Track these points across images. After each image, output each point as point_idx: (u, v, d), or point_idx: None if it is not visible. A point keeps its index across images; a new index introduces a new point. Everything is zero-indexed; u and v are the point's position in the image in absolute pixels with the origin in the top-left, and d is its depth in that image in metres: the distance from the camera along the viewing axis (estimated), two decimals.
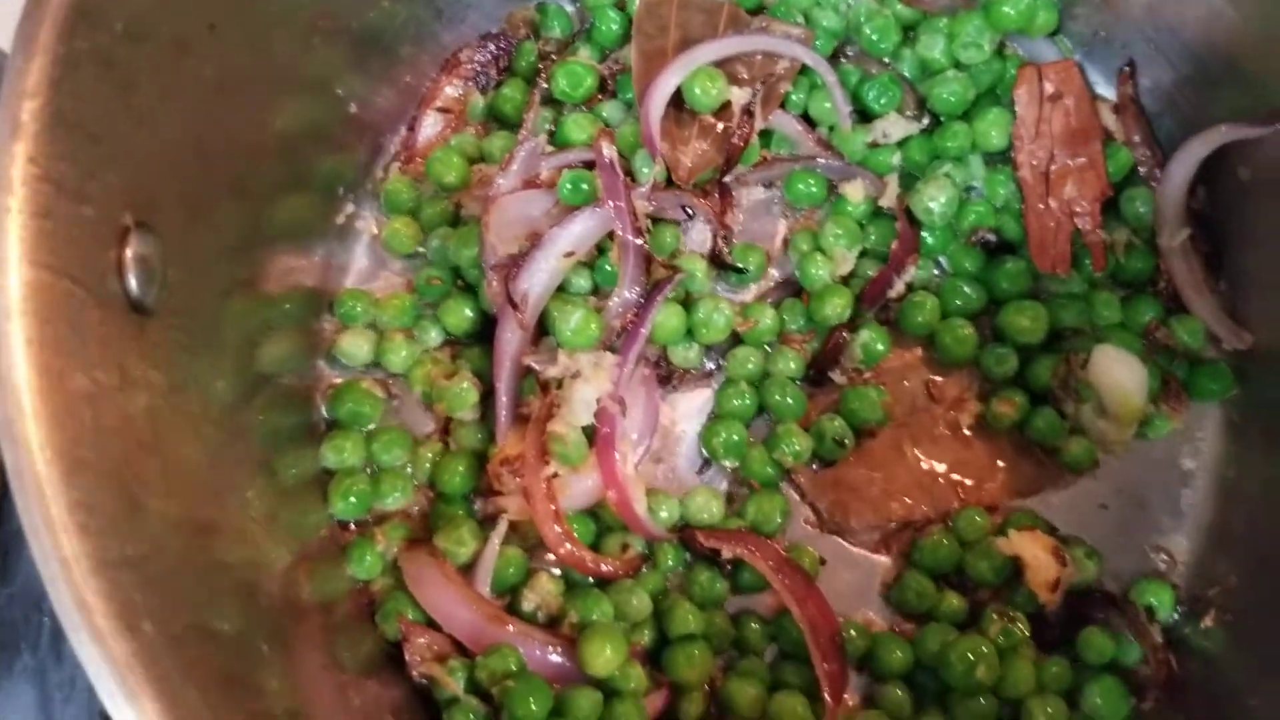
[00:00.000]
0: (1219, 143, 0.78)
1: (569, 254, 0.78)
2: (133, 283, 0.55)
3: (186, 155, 0.61)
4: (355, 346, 0.80)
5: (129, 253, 0.54)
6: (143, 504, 0.51)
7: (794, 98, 0.85)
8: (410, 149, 0.86)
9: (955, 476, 0.80)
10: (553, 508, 0.74)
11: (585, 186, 0.79)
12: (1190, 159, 0.79)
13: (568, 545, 0.74)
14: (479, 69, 0.87)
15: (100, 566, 0.45)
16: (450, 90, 0.87)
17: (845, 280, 0.83)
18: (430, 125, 0.86)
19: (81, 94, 0.51)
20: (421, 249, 0.84)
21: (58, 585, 0.44)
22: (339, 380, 0.81)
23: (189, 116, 0.61)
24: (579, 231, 0.78)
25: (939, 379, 0.83)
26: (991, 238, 0.83)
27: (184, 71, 0.59)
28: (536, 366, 0.78)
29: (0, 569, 0.83)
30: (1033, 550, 0.75)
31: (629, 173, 0.81)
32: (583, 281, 0.81)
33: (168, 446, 0.56)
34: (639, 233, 0.78)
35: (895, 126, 0.84)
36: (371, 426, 0.80)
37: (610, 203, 0.77)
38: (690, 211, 0.82)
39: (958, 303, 0.82)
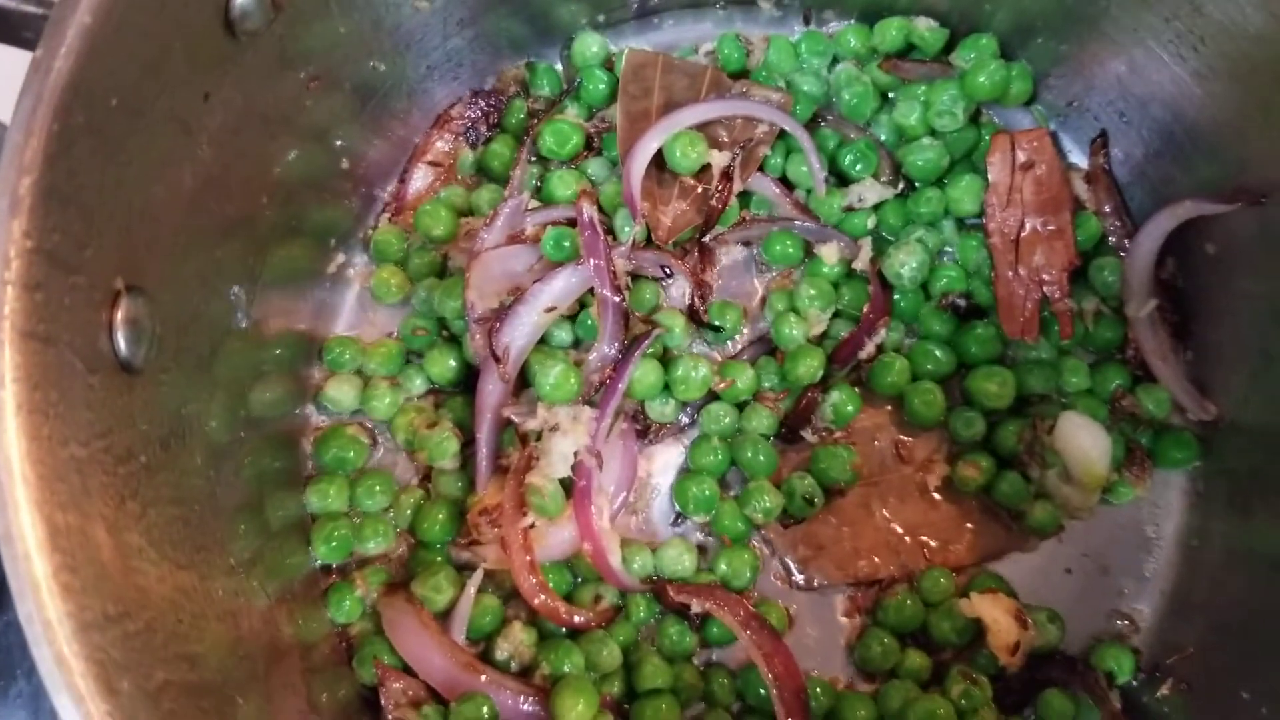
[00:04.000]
0: (1185, 217, 0.80)
1: (550, 309, 0.80)
2: (122, 344, 0.57)
3: (180, 216, 0.63)
4: (341, 393, 0.83)
5: (119, 315, 0.56)
6: (126, 562, 0.53)
7: (773, 161, 0.87)
8: (400, 201, 0.88)
9: (922, 537, 0.82)
10: (529, 558, 0.76)
11: (567, 244, 0.82)
12: (1157, 232, 0.82)
13: (542, 596, 0.76)
14: (469, 124, 0.89)
15: (82, 628, 0.47)
16: (440, 144, 0.89)
17: (818, 340, 0.85)
18: (420, 178, 0.89)
19: (76, 168, 0.53)
20: (409, 299, 0.86)
21: (41, 647, 0.46)
22: (325, 425, 0.83)
23: (183, 179, 0.63)
24: (561, 287, 0.81)
25: (908, 440, 0.85)
26: (962, 302, 0.85)
27: (179, 138, 0.61)
28: (516, 419, 0.80)
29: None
30: (994, 613, 0.76)
31: (610, 231, 0.83)
32: (564, 335, 0.83)
33: (153, 501, 0.58)
34: (618, 290, 0.80)
35: (871, 191, 0.86)
36: (355, 472, 0.82)
37: (591, 260, 0.80)
38: (669, 270, 0.84)
39: (927, 366, 0.84)
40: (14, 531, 0.47)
